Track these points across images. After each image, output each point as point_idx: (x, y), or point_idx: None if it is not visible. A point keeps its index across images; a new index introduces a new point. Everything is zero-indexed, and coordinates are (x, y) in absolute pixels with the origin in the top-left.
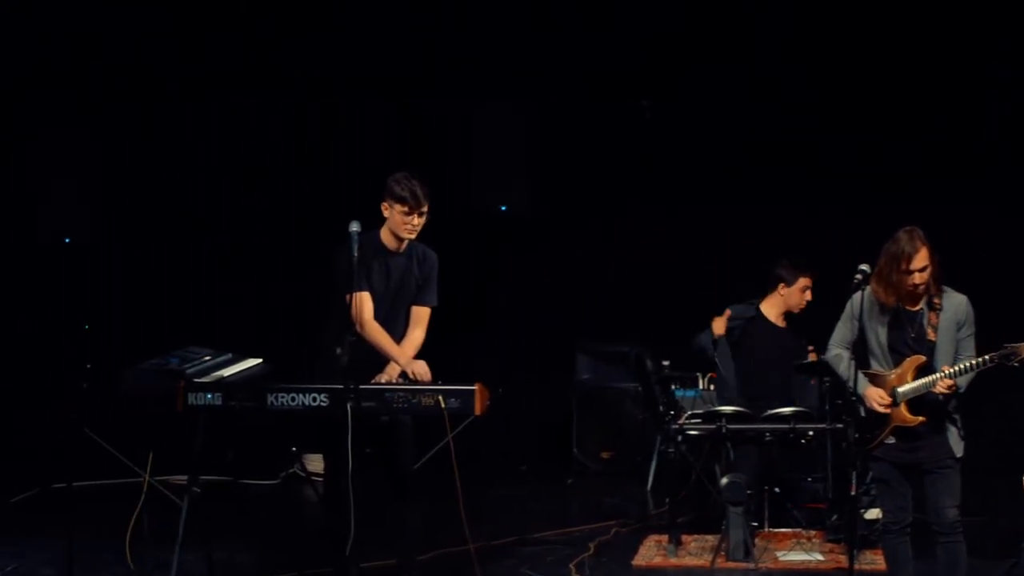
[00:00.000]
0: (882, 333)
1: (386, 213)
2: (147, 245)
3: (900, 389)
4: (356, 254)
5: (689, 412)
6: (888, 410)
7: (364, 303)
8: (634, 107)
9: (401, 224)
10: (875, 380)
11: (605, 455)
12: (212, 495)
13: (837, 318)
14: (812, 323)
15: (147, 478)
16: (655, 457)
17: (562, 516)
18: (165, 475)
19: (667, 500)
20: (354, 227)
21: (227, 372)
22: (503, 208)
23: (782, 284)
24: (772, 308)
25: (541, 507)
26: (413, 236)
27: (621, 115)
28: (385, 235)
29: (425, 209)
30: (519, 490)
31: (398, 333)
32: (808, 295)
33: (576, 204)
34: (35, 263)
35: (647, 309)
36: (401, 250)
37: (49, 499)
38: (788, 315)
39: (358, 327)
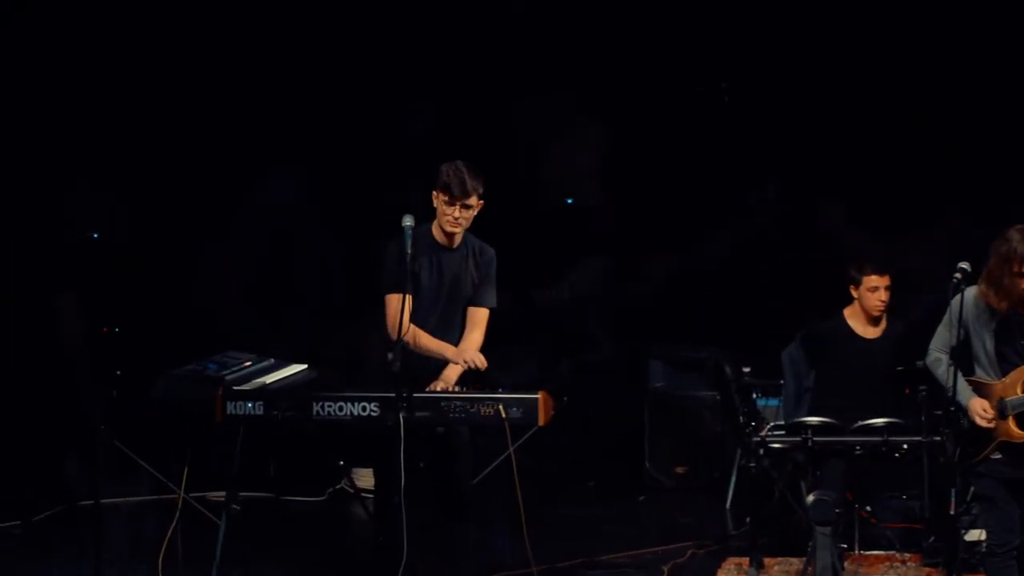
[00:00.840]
0: (989, 340)
1: (435, 203)
2: (156, 244)
3: (1008, 401)
4: (409, 251)
5: (772, 423)
6: (992, 425)
7: (406, 305)
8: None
9: (442, 215)
10: (980, 389)
11: (680, 470)
12: (252, 512)
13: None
14: None
15: (181, 494)
16: (735, 472)
17: (633, 536)
18: (201, 491)
19: (748, 519)
20: (407, 221)
21: (269, 379)
22: (568, 201)
23: (852, 287)
24: (855, 316)
25: (610, 527)
26: (456, 230)
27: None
28: (436, 229)
29: (471, 202)
30: (586, 508)
31: (454, 336)
32: (882, 295)
33: (640, 197)
34: (57, 262)
35: (726, 310)
36: (454, 245)
37: (75, 517)
38: (888, 323)
39: (391, 331)
